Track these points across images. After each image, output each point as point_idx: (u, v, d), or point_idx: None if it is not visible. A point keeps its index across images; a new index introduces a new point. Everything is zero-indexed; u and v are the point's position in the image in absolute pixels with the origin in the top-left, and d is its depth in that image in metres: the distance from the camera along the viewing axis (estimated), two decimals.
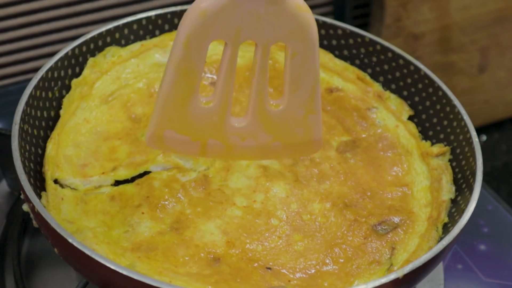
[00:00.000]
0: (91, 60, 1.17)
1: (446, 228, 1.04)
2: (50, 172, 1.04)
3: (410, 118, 1.21)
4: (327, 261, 1.00)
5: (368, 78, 1.24)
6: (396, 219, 1.05)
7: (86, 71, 1.16)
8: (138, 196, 1.03)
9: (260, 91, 0.98)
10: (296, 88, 0.99)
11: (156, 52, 1.21)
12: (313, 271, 0.99)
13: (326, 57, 1.26)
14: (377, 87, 1.23)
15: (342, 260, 1.00)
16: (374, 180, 1.11)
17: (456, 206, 1.06)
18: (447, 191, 1.08)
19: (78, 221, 0.99)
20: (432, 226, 1.04)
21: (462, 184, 1.08)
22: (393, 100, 1.22)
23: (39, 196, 1.00)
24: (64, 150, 1.08)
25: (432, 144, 1.16)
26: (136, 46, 1.21)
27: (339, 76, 1.24)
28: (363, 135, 1.17)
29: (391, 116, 1.20)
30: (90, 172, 1.06)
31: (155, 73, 1.19)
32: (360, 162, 1.13)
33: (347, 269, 0.99)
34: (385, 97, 1.22)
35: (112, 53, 1.19)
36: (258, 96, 0.98)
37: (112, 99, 1.15)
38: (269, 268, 0.98)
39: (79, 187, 1.05)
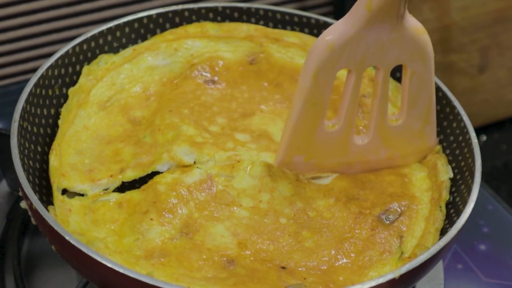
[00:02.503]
0: (85, 68, 1.16)
1: (448, 218, 1.05)
2: (56, 183, 1.04)
3: None
4: (339, 256, 1.00)
5: None
6: (399, 206, 1.05)
7: (81, 79, 1.15)
8: (145, 202, 1.03)
9: (381, 110, 1.06)
10: (414, 104, 1.07)
11: (149, 55, 1.20)
12: (326, 267, 0.99)
13: None
14: (370, 71, 1.23)
15: (353, 254, 1.01)
16: (371, 173, 1.11)
17: (455, 207, 1.06)
18: (444, 172, 1.09)
19: (88, 233, 0.99)
20: (436, 206, 1.05)
21: (461, 185, 1.08)
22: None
23: (37, 194, 1.00)
24: (68, 159, 1.07)
25: None
26: (128, 51, 1.21)
27: None
28: (360, 126, 1.16)
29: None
30: (97, 175, 1.06)
31: (149, 76, 1.19)
32: None
33: (359, 262, 1.00)
34: None
35: (105, 60, 1.18)
36: (380, 115, 1.06)
37: (109, 105, 1.15)
38: (284, 267, 0.98)
39: (88, 192, 1.05)
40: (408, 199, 1.06)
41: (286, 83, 1.20)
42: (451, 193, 1.08)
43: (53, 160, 1.06)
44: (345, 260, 1.00)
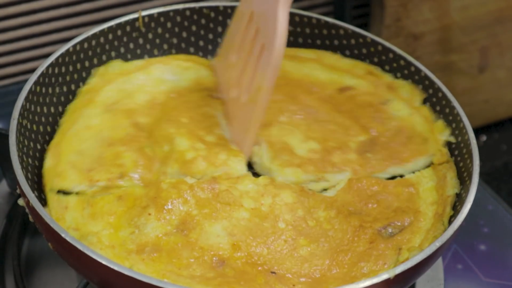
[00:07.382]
0: (101, 69, 1.18)
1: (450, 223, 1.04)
2: (49, 185, 1.03)
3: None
4: (333, 266, 0.99)
5: (378, 70, 1.24)
6: (402, 222, 1.05)
7: (95, 79, 1.16)
8: (146, 197, 1.03)
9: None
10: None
11: (158, 69, 1.21)
12: (318, 275, 0.98)
13: (333, 58, 1.26)
14: (387, 78, 1.23)
15: (347, 266, 1.00)
16: (377, 184, 1.09)
17: (452, 207, 1.05)
18: (452, 186, 1.08)
19: (84, 227, 0.99)
20: (439, 220, 1.04)
21: (460, 185, 1.08)
22: (404, 88, 1.22)
23: (36, 192, 1.00)
24: (67, 157, 1.07)
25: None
26: (140, 62, 1.22)
27: (350, 74, 1.24)
28: (379, 131, 1.16)
29: (404, 105, 1.20)
30: (96, 176, 1.05)
31: (157, 87, 1.19)
32: (382, 161, 1.13)
33: (352, 273, 0.99)
34: (396, 87, 1.22)
35: (118, 66, 1.19)
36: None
37: (114, 108, 1.14)
38: (274, 273, 0.98)
39: (86, 190, 1.04)
40: (413, 215, 1.05)
41: (302, 96, 1.20)
42: None
43: (49, 160, 1.05)
44: (338, 271, 0.99)
